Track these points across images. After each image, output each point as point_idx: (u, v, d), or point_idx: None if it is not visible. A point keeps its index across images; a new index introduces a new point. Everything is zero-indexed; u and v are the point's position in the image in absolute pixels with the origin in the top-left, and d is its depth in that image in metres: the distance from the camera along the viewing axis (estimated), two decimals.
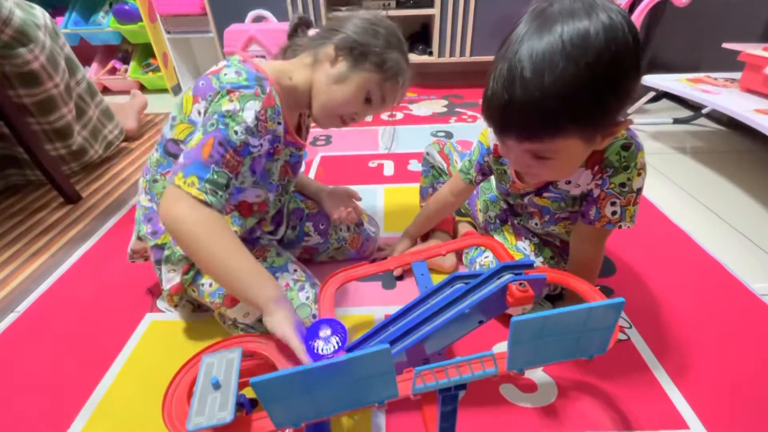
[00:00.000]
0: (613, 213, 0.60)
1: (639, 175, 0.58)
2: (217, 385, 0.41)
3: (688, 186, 1.18)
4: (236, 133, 0.54)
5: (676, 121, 1.59)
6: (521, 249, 0.75)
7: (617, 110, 0.48)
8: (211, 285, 0.65)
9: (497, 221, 0.82)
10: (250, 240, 0.74)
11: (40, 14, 1.14)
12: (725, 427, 0.56)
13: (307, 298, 0.67)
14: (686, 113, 1.64)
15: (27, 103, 1.11)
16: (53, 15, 1.88)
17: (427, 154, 0.96)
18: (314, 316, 0.67)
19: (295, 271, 0.70)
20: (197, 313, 0.77)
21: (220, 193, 0.53)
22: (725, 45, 1.31)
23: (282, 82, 0.63)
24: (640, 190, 0.59)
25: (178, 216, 0.51)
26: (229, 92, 0.56)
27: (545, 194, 0.68)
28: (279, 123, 0.62)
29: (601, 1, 0.44)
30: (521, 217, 0.78)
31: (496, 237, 0.80)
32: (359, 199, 0.86)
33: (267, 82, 0.60)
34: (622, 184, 0.58)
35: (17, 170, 1.22)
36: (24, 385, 0.65)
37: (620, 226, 0.61)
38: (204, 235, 0.51)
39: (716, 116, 1.59)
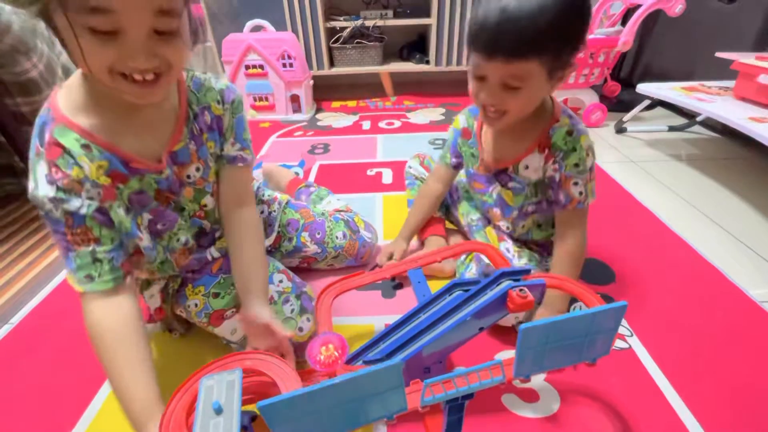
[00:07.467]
0: (580, 193, 0.67)
1: (588, 155, 0.66)
2: (219, 410, 0.39)
3: (685, 193, 1.18)
4: (51, 211, 0.47)
5: (672, 128, 1.61)
6: (504, 251, 0.76)
7: (575, 48, 0.58)
8: (196, 305, 0.63)
9: (479, 223, 0.85)
10: (228, 255, 0.64)
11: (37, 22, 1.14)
12: None
13: (292, 311, 0.66)
14: (681, 121, 1.65)
15: (25, 111, 1.10)
16: None
17: (409, 167, 1.03)
18: (300, 329, 0.66)
19: (281, 282, 0.68)
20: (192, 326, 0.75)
21: (97, 270, 0.49)
22: (718, 54, 1.32)
23: (77, 95, 0.48)
24: (592, 168, 0.68)
25: (84, 319, 0.50)
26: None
27: (509, 184, 0.73)
28: (91, 160, 0.48)
29: None
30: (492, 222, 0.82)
31: (478, 238, 0.82)
32: (287, 338, 0.55)
33: (49, 124, 0.47)
34: (576, 165, 0.66)
35: (13, 179, 1.21)
36: (19, 398, 0.64)
37: (587, 203, 0.68)
38: (92, 340, 0.49)
39: (711, 124, 1.60)
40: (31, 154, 0.48)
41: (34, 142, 0.47)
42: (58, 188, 0.46)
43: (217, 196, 0.63)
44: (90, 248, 0.49)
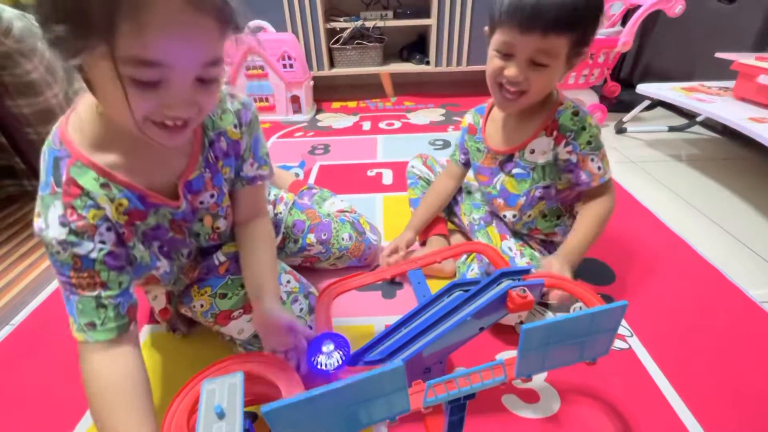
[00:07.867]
0: (599, 168, 0.69)
1: (598, 132, 0.68)
2: (221, 414, 0.38)
3: (685, 193, 1.18)
4: (58, 253, 0.44)
5: (672, 128, 1.61)
6: (506, 250, 0.76)
7: (594, 33, 0.62)
8: (202, 305, 0.62)
9: (482, 222, 0.85)
10: (234, 258, 0.65)
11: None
12: None
13: (301, 310, 0.67)
14: (681, 121, 1.65)
15: (26, 113, 1.11)
16: None
17: (412, 167, 1.03)
18: (309, 327, 0.66)
19: (288, 282, 0.68)
20: (195, 326, 0.76)
21: (101, 317, 0.46)
22: (718, 54, 1.33)
23: (92, 131, 0.46)
24: (602, 144, 0.69)
25: (81, 371, 0.46)
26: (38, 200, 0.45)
27: (514, 170, 0.74)
28: (112, 200, 0.46)
29: None
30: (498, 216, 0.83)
31: (480, 237, 0.83)
32: (303, 336, 0.56)
33: (65, 160, 0.44)
34: (589, 142, 0.67)
35: (14, 180, 1.22)
36: (19, 399, 0.64)
37: (608, 176, 0.69)
38: (90, 395, 0.45)
39: (711, 124, 1.61)
40: (43, 192, 0.45)
41: (48, 180, 0.44)
42: (71, 231, 0.44)
43: (230, 218, 0.62)
44: (95, 293, 0.46)
